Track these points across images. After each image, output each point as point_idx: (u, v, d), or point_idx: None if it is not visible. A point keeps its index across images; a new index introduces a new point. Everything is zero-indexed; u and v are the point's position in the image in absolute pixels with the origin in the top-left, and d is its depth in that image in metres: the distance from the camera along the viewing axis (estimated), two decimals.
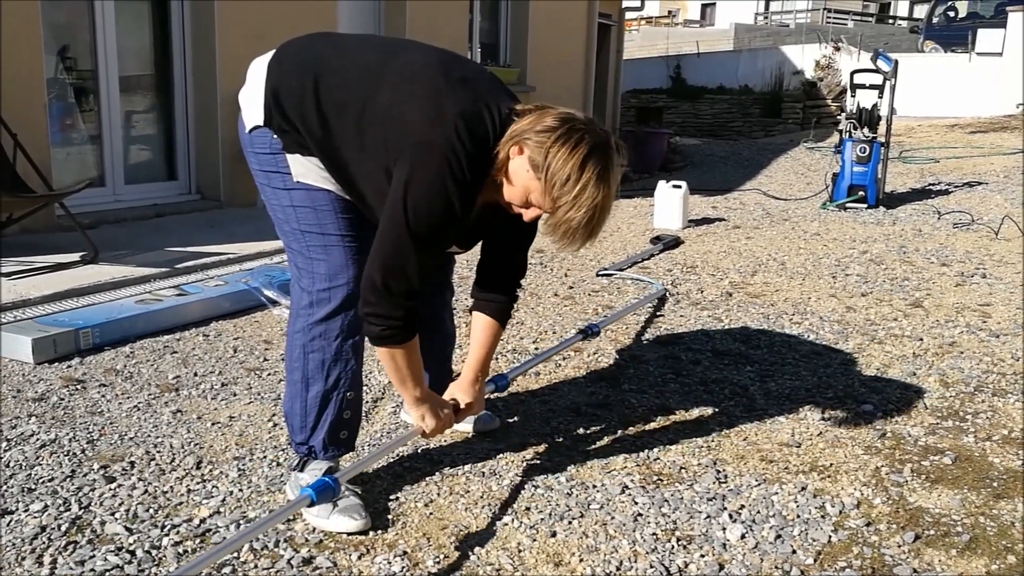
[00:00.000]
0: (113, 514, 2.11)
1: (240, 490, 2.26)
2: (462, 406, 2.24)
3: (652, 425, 2.76)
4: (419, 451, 2.52)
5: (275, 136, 2.01)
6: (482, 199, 1.95)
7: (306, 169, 2.02)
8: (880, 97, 7.60)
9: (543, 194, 1.83)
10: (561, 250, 1.91)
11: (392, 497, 2.23)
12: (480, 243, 2.21)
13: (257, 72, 2.05)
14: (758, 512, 2.21)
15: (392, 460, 2.46)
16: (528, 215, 1.93)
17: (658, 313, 4.08)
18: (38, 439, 2.53)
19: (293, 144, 2.00)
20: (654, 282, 4.66)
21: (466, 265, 4.84)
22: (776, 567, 1.98)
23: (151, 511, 2.14)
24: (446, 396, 2.27)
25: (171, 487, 2.27)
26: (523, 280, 2.27)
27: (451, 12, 8.77)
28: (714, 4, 34.17)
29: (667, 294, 4.43)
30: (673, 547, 2.04)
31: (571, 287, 4.56)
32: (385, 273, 1.87)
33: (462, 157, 1.82)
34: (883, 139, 7.54)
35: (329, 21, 7.03)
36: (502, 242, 2.19)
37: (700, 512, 2.21)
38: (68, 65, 5.66)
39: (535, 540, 2.06)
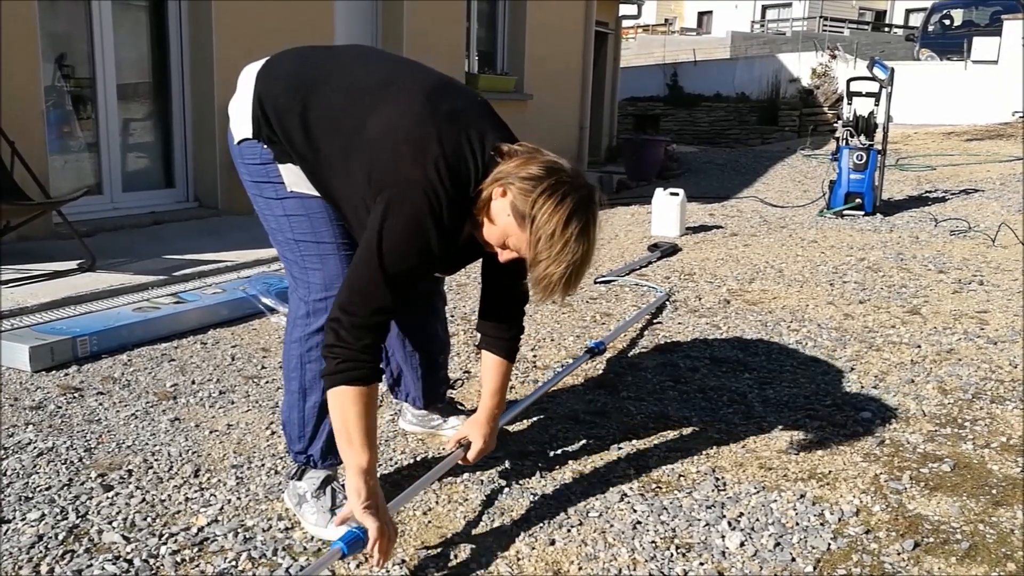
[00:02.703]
0: (111, 523, 2.11)
1: (238, 498, 2.25)
2: (473, 448, 2.21)
3: (650, 433, 2.76)
4: (417, 459, 2.52)
5: (265, 147, 2.00)
6: (467, 232, 1.92)
7: (299, 178, 2.01)
8: (876, 105, 7.63)
9: (526, 245, 1.80)
10: (541, 303, 1.89)
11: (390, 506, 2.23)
12: (467, 268, 2.17)
13: (246, 83, 2.04)
14: (757, 520, 2.21)
15: (390, 469, 2.46)
16: (504, 256, 1.89)
17: (656, 320, 4.08)
18: (35, 447, 2.52)
19: (284, 154, 1.99)
20: (655, 287, 4.67)
21: (462, 273, 4.83)
22: (776, 575, 1.97)
23: (149, 520, 2.13)
24: (459, 435, 2.23)
25: (169, 495, 2.26)
26: (526, 307, 2.23)
27: (448, 20, 8.78)
28: (711, 12, 34.26)
29: (668, 300, 4.43)
30: (672, 555, 2.04)
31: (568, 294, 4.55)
32: (351, 303, 1.80)
33: (442, 199, 1.78)
34: (880, 146, 7.56)
35: (326, 31, 7.04)
36: (500, 274, 2.10)
37: (699, 520, 2.20)
38: (66, 73, 5.66)
39: (534, 548, 2.06)
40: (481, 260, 2.13)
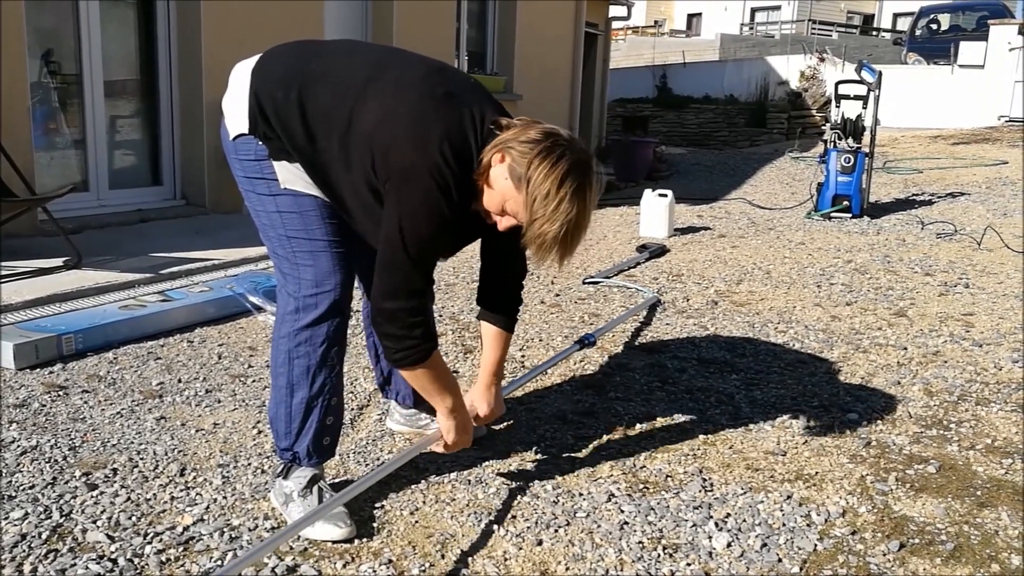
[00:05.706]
0: (95, 522, 2.09)
1: (224, 497, 2.24)
2: (480, 413, 2.31)
3: (638, 433, 2.76)
4: None
5: (260, 143, 2.01)
6: (471, 209, 1.99)
7: (293, 175, 2.02)
8: (864, 108, 7.66)
9: (522, 205, 1.86)
10: (538, 264, 1.96)
11: (377, 505, 2.22)
12: (467, 250, 2.24)
13: (240, 78, 2.04)
14: (744, 520, 2.22)
15: (377, 468, 2.45)
16: (503, 224, 1.96)
17: (645, 321, 4.09)
18: (19, 446, 2.50)
19: (279, 151, 2.00)
20: (644, 289, 4.67)
21: (451, 272, 4.83)
22: (762, 575, 1.98)
23: (134, 519, 2.11)
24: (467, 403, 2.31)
25: (154, 494, 2.25)
26: (524, 281, 2.36)
27: (438, 20, 8.77)
28: (700, 14, 34.35)
29: (659, 300, 4.44)
30: (659, 555, 2.04)
31: (557, 295, 4.56)
32: (392, 298, 1.91)
33: (448, 178, 1.86)
34: (867, 149, 7.59)
35: (316, 28, 7.02)
36: (499, 250, 2.24)
37: (686, 520, 2.21)
38: (52, 69, 5.61)
39: (521, 548, 2.06)
40: (480, 240, 2.22)
